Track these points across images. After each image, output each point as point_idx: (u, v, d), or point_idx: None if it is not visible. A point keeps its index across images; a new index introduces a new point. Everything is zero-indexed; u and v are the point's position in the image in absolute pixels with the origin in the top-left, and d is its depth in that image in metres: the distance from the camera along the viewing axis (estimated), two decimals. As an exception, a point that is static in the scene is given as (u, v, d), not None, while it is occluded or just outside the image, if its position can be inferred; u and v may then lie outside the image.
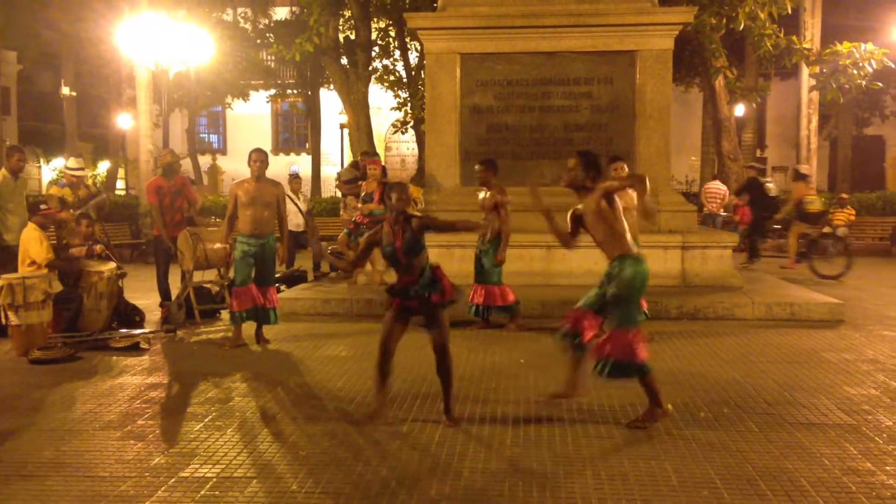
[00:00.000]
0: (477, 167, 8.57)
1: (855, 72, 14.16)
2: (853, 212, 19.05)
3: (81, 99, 30.99)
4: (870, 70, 14.07)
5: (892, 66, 14.58)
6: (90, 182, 10.92)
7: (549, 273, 10.44)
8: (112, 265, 8.88)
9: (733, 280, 10.43)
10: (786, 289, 10.48)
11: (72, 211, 9.17)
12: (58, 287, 8.19)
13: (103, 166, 32.26)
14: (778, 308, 9.25)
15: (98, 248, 8.85)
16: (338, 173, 15.81)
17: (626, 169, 8.03)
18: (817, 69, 16.04)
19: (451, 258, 10.48)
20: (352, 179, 12.02)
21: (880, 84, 15.71)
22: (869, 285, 12.38)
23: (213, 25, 21.58)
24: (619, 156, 8.32)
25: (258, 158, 7.87)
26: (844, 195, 20.04)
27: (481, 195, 8.59)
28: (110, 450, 4.92)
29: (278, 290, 10.64)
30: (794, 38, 15.18)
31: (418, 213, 5.62)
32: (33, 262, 8.12)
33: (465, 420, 5.37)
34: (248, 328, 8.07)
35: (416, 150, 28.29)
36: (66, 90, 29.08)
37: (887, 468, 4.47)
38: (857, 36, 16.37)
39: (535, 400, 5.85)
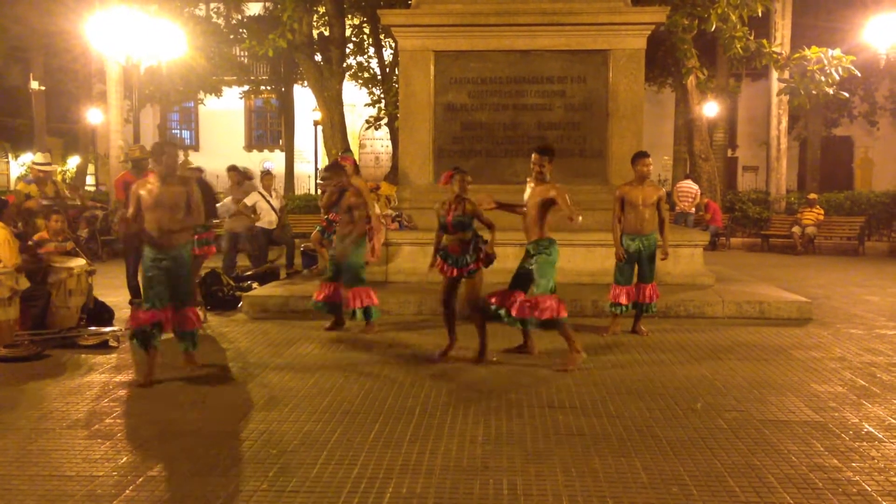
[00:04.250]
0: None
1: (822, 78, 14.31)
2: (822, 211, 19.30)
3: (51, 93, 30.51)
4: (836, 77, 14.23)
5: (858, 74, 14.76)
6: (59, 178, 10.76)
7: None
8: (82, 262, 8.77)
9: (704, 279, 10.52)
10: (756, 287, 10.59)
11: (39, 200, 9.06)
12: (25, 284, 8.07)
13: (73, 161, 31.85)
14: (748, 306, 9.35)
15: (68, 245, 8.74)
16: (316, 171, 15.79)
17: (651, 164, 8.17)
18: (786, 74, 16.21)
19: (425, 255, 10.48)
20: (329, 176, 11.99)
21: (847, 95, 15.92)
22: (837, 284, 12.55)
23: (185, 20, 21.36)
24: (647, 152, 8.35)
25: (171, 153, 6.60)
26: (813, 195, 20.31)
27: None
28: (77, 448, 4.86)
29: (249, 288, 10.61)
30: (764, 41, 15.30)
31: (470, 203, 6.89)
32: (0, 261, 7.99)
33: (436, 416, 5.38)
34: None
35: (390, 148, 28.21)
36: (34, 84, 28.60)
37: (853, 465, 4.53)
38: (827, 37, 16.60)
39: (507, 397, 5.87)
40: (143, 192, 6.48)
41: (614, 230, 8.17)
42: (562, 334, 6.87)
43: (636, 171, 8.06)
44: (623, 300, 8.18)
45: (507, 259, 8.28)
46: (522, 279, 6.94)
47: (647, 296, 8.19)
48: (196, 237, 9.08)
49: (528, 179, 7.17)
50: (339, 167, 8.67)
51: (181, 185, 6.57)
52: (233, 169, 11.41)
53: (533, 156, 6.95)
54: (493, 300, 7.00)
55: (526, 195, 7.07)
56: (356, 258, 8.25)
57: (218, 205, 11.53)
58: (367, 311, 8.23)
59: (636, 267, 8.21)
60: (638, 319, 8.35)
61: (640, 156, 8.15)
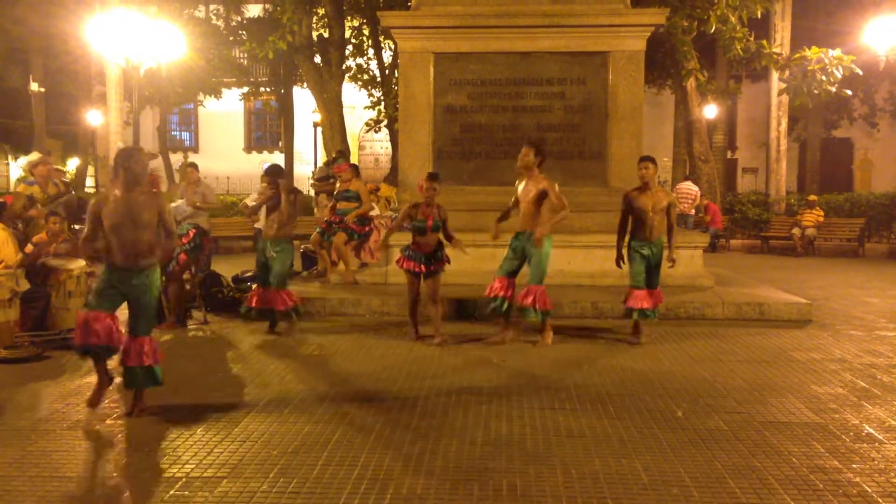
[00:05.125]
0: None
1: (823, 77, 14.34)
2: (822, 213, 19.31)
3: (50, 95, 30.53)
4: (838, 76, 14.25)
5: (860, 72, 14.79)
6: (59, 180, 10.71)
7: (521, 273, 10.41)
8: (81, 263, 8.77)
9: (704, 280, 10.53)
10: (755, 289, 10.59)
11: (40, 206, 9.05)
12: (25, 285, 8.07)
13: (73, 163, 31.84)
14: (747, 308, 9.35)
15: (67, 246, 8.74)
16: (312, 172, 15.75)
17: (651, 168, 7.90)
18: (786, 74, 16.24)
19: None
20: (324, 178, 11.98)
21: (849, 92, 15.93)
22: (837, 286, 12.55)
23: (184, 22, 21.38)
24: (650, 156, 8.15)
25: (138, 159, 5.65)
26: (813, 197, 20.32)
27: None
28: (77, 450, 4.87)
29: (249, 289, 10.59)
30: (764, 42, 15.33)
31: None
32: (2, 261, 7.99)
33: (436, 417, 5.38)
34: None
35: (389, 150, 28.22)
36: (34, 86, 28.62)
37: (854, 466, 4.53)
38: (826, 39, 16.61)
39: (507, 400, 5.86)
40: (103, 206, 5.51)
41: (619, 236, 8.04)
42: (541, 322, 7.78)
43: (638, 175, 7.94)
44: (646, 304, 7.93)
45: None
46: (517, 268, 7.87)
47: (654, 301, 8.08)
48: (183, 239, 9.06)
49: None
50: (279, 172, 8.51)
51: (150, 197, 5.61)
52: (192, 166, 10.91)
53: (524, 149, 7.74)
54: (499, 292, 7.79)
55: (519, 190, 7.81)
56: (285, 262, 8.37)
57: (172, 205, 11.27)
58: (296, 311, 8.42)
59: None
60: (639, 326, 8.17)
61: (641, 160, 8.02)
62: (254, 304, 8.39)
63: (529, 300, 7.62)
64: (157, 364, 5.67)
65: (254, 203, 8.49)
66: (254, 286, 8.74)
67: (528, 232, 7.71)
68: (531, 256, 7.71)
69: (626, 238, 8.02)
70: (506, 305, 7.82)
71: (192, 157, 37.24)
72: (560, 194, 7.55)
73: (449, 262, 7.98)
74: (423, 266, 7.75)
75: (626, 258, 8.00)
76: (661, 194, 7.95)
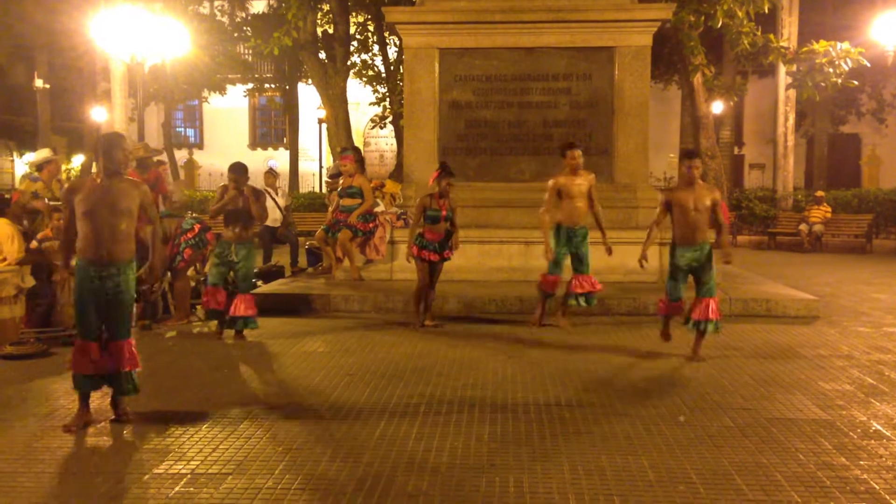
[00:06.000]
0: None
1: (831, 70, 14.28)
2: (829, 209, 19.24)
3: (55, 92, 30.61)
4: (845, 69, 14.19)
5: (868, 65, 14.73)
6: (64, 177, 10.73)
7: (527, 269, 10.40)
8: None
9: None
10: (762, 285, 10.55)
11: (47, 201, 9.03)
12: (31, 282, 8.08)
13: (77, 160, 31.90)
14: (754, 304, 9.31)
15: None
16: (320, 169, 15.72)
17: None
18: (794, 67, 16.17)
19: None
20: (335, 175, 11.96)
21: (856, 83, 15.86)
22: (844, 282, 12.50)
23: (189, 18, 21.38)
24: (693, 150, 7.97)
25: (120, 145, 5.35)
26: (821, 193, 20.24)
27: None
28: (83, 446, 4.86)
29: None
30: (772, 36, 15.24)
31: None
32: (5, 258, 8.00)
33: (441, 414, 5.37)
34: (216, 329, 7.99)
35: (395, 146, 28.21)
36: (39, 83, 28.69)
37: (861, 463, 4.50)
38: (834, 34, 16.50)
39: (511, 399, 5.85)
40: (76, 192, 5.22)
41: (649, 235, 7.27)
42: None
43: (680, 172, 7.14)
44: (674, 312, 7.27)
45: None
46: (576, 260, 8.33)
47: (710, 311, 6.98)
48: (182, 237, 8.94)
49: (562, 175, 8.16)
50: (243, 170, 8.02)
51: (131, 185, 5.30)
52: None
53: (573, 152, 8.13)
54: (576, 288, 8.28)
55: (578, 183, 8.13)
56: (251, 265, 8.08)
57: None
58: (248, 322, 7.98)
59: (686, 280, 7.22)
60: (699, 341, 7.15)
61: (685, 156, 7.12)
62: (213, 307, 7.95)
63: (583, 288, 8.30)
64: (137, 369, 5.38)
65: (217, 205, 8.07)
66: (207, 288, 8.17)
67: (581, 227, 8.21)
68: (583, 249, 8.27)
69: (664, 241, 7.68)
70: (584, 301, 8.36)
71: (196, 154, 37.37)
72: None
73: (454, 250, 8.55)
74: (435, 255, 8.32)
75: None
76: (702, 191, 7.06)
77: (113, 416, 5.36)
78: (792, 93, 20.69)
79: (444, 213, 8.28)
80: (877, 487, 4.15)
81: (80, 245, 5.25)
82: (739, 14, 13.97)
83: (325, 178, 17.36)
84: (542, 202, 8.21)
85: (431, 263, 8.38)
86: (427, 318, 8.52)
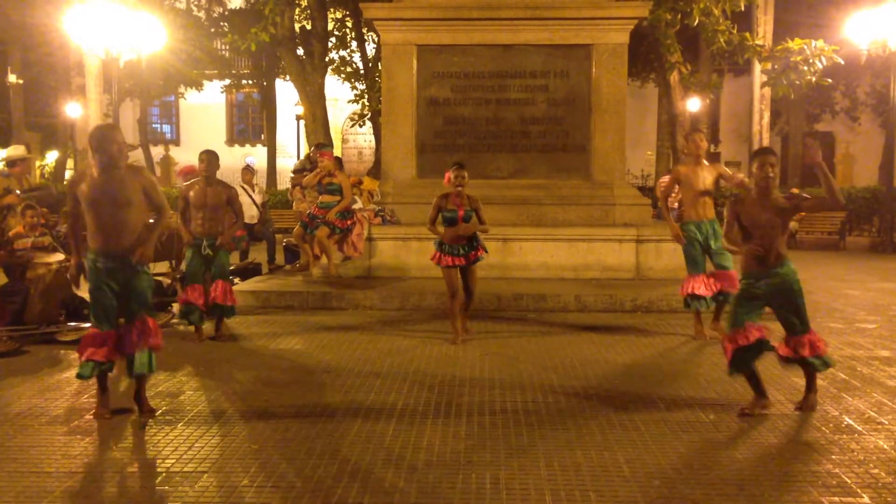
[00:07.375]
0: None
1: (805, 68, 14.43)
2: (803, 206, 19.39)
3: (28, 87, 30.20)
4: (820, 67, 14.35)
5: (842, 63, 14.89)
6: (38, 173, 10.63)
7: (504, 266, 10.45)
8: (60, 257, 8.68)
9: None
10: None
11: (18, 193, 8.93)
12: (3, 279, 7.98)
13: (52, 156, 31.57)
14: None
15: (45, 239, 8.65)
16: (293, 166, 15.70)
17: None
18: (769, 65, 16.31)
19: (409, 250, 10.50)
20: (299, 170, 11.94)
21: (830, 80, 16.03)
22: (818, 278, 12.63)
23: (165, 13, 21.14)
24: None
25: (113, 137, 5.25)
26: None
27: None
28: (56, 445, 4.81)
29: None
30: (748, 34, 15.38)
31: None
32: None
33: (419, 412, 5.37)
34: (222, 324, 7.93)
35: (373, 143, 28.14)
36: (12, 78, 28.29)
37: (833, 457, 4.55)
38: (809, 32, 16.67)
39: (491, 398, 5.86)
40: (81, 184, 5.25)
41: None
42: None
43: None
44: (702, 291, 7.59)
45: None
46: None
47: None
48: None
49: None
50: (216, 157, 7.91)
51: (132, 174, 5.29)
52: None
53: (695, 136, 7.69)
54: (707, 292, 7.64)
55: (689, 178, 7.62)
56: (226, 255, 7.96)
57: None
58: (231, 310, 7.99)
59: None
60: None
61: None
62: (192, 300, 7.75)
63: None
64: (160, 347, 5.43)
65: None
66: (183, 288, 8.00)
67: (709, 221, 7.69)
68: (715, 245, 7.67)
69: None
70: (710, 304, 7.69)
71: (173, 151, 37.11)
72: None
73: (486, 252, 7.78)
74: (461, 259, 7.53)
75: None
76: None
77: (137, 410, 5.38)
78: (767, 91, 20.84)
79: (460, 213, 7.50)
80: (848, 482, 4.20)
81: (88, 236, 5.29)
82: (715, 12, 14.09)
83: (289, 174, 17.23)
84: (519, 199, 8.20)
85: (461, 268, 7.61)
86: (464, 326, 7.80)
